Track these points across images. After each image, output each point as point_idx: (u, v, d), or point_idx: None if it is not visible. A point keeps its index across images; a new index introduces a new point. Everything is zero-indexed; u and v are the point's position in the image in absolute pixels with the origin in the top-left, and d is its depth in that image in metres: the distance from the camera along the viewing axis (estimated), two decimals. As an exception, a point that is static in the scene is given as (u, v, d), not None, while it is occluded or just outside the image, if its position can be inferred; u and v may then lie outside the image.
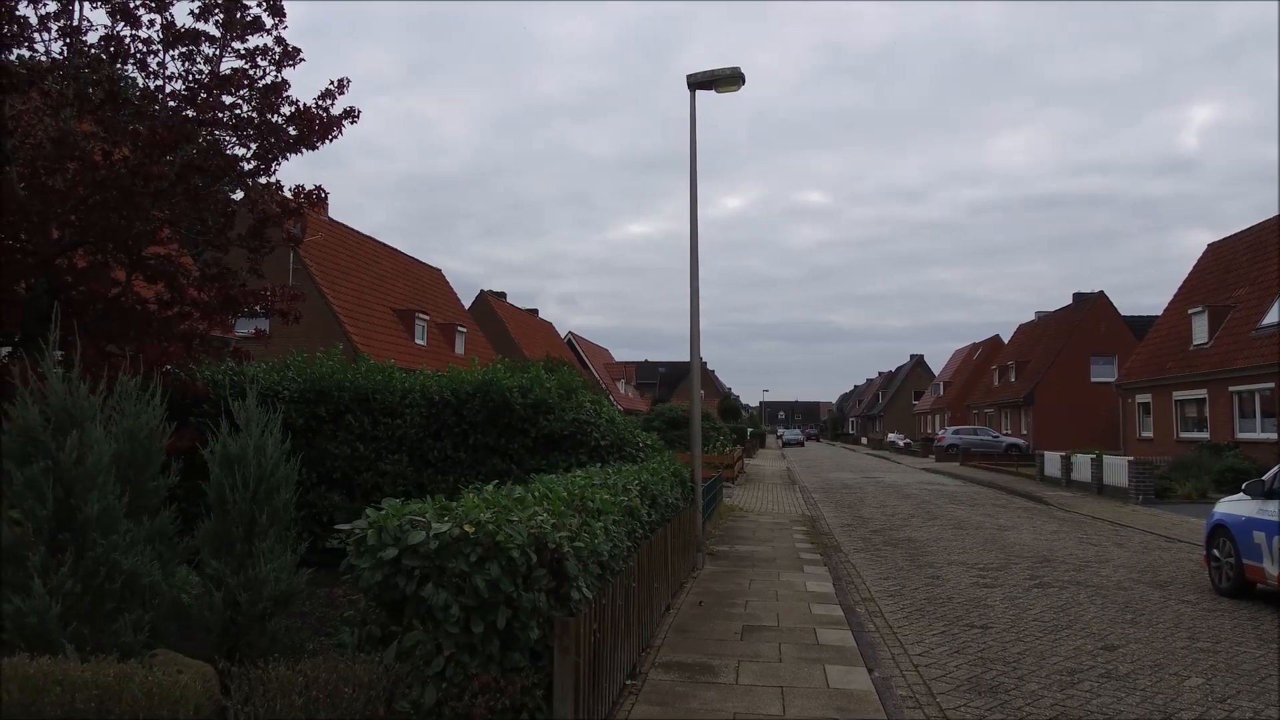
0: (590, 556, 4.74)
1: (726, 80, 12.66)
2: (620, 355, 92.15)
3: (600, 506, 5.62)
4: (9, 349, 9.38)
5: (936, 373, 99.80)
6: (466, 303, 49.86)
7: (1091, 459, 27.41)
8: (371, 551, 3.97)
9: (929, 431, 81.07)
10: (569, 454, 10.35)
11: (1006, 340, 73.70)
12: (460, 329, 39.14)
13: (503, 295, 57.69)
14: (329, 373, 10.69)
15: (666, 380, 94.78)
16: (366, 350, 26.75)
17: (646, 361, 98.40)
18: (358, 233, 36.57)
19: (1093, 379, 51.91)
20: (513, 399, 10.30)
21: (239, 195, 10.10)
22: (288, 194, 9.61)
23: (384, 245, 38.91)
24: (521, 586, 4.10)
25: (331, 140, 9.64)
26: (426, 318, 36.10)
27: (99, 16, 9.45)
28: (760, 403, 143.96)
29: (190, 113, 9.18)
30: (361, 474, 10.27)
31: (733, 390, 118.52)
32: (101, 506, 4.69)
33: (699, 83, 12.72)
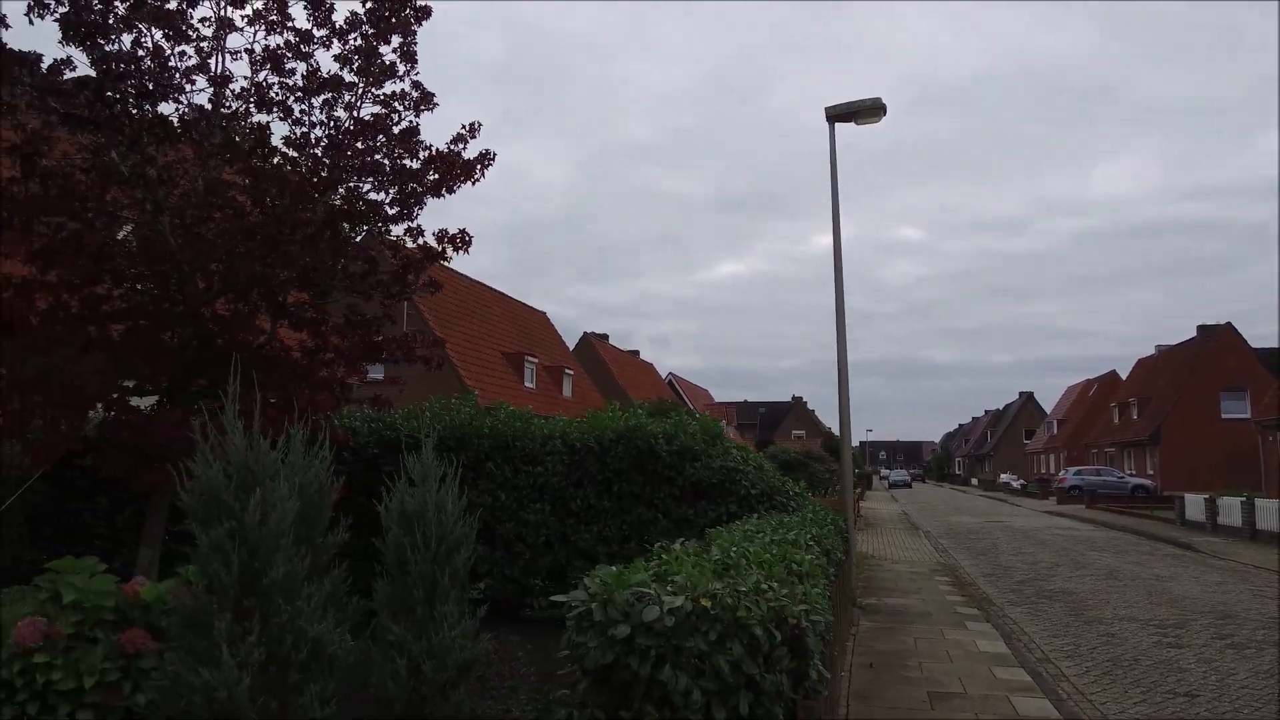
0: (821, 630, 4.22)
1: (867, 111, 12.17)
2: (718, 396, 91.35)
3: (807, 570, 5.09)
4: (155, 399, 9.37)
5: (1048, 410, 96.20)
6: (568, 345, 50.01)
7: (1242, 501, 25.61)
8: (599, 628, 3.53)
9: (1043, 472, 78.01)
10: (717, 503, 9.84)
11: (1124, 376, 70.56)
12: (567, 371, 39.13)
13: (605, 337, 57.75)
14: (467, 420, 10.43)
15: (767, 421, 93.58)
16: (479, 394, 26.79)
17: (746, 402, 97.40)
18: (466, 277, 36.97)
19: (1223, 415, 49.11)
20: (658, 445, 9.86)
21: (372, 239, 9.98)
22: (430, 238, 9.43)
23: (491, 289, 39.27)
24: (763, 667, 3.60)
25: (474, 183, 9.44)
26: (535, 361, 36.18)
27: (239, 68, 9.48)
28: (860, 442, 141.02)
29: (335, 159, 9.10)
30: (503, 523, 9.93)
31: (833, 430, 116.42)
32: (286, 570, 4.36)
33: (838, 115, 12.26)
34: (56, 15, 8.45)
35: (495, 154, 9.71)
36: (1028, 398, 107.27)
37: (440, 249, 9.34)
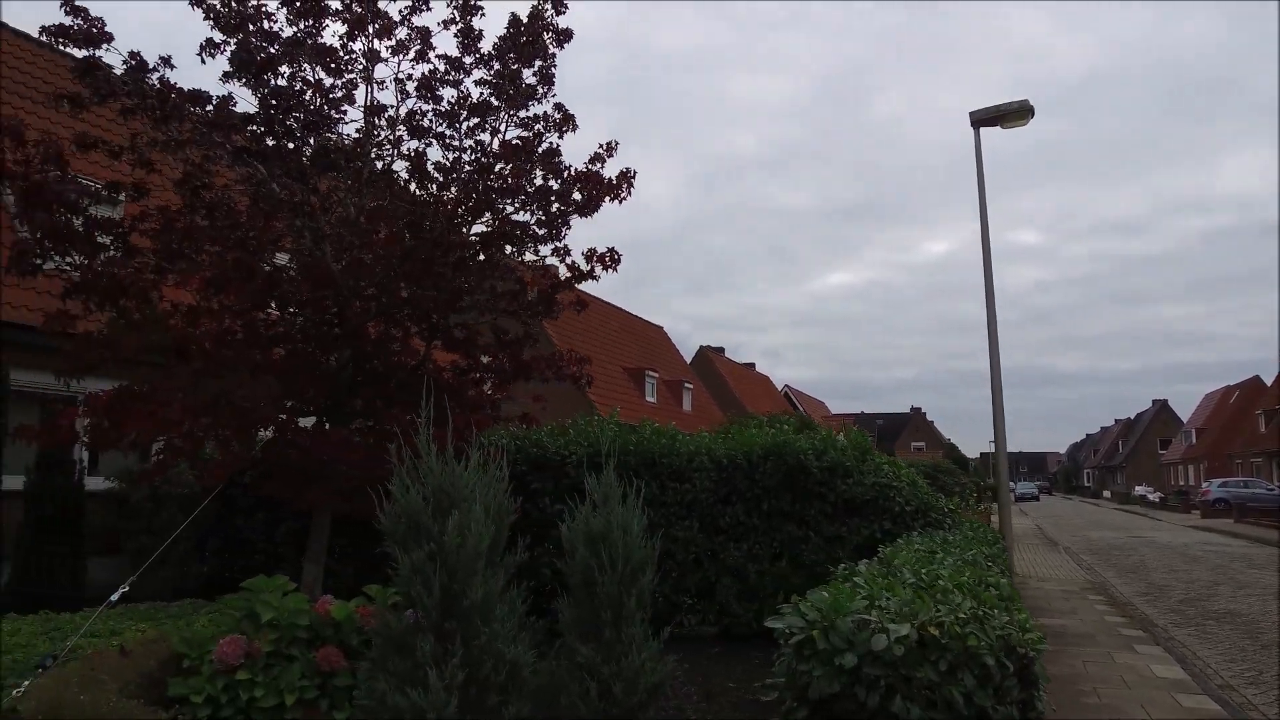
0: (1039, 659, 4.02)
1: (1014, 114, 11.77)
2: (834, 408, 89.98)
3: (1008, 593, 4.87)
4: (314, 419, 9.67)
5: (1184, 419, 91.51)
6: (685, 359, 50.00)
7: None
8: (822, 657, 3.42)
9: (1180, 483, 74.18)
10: (870, 521, 9.61)
11: (1269, 381, 66.55)
12: (687, 385, 39.13)
13: (721, 350, 57.60)
14: (613, 437, 10.44)
15: (885, 433, 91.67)
16: (604, 410, 26.96)
17: (862, 413, 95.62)
18: (586, 293, 37.32)
19: (1387, 422, 45.77)
20: (808, 461, 9.68)
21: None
22: (579, 258, 9.49)
23: (610, 305, 39.61)
24: (995, 698, 3.44)
25: (621, 201, 9.48)
26: (655, 375, 36.30)
27: (384, 96, 9.74)
28: (981, 453, 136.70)
29: (484, 183, 9.25)
30: (651, 540, 9.90)
31: (951, 440, 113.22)
32: (484, 591, 4.39)
33: (983, 119, 11.88)
34: (225, 53, 8.85)
35: (636, 172, 9.73)
36: (1162, 405, 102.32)
37: (589, 268, 9.40)
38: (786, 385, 71.10)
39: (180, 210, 8.72)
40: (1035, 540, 30.13)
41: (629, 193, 9.46)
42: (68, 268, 8.18)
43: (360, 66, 9.32)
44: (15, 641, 7.82)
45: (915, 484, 10.01)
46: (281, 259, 9.19)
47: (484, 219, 9.04)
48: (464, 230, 8.98)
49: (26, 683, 6.57)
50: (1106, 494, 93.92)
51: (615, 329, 37.61)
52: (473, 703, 4.31)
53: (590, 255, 9.39)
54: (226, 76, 8.95)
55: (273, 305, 9.10)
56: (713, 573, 9.75)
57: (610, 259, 9.36)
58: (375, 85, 9.55)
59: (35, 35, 16.32)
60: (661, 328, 46.19)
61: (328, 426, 9.30)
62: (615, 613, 4.88)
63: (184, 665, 5.21)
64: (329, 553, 10.02)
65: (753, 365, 67.15)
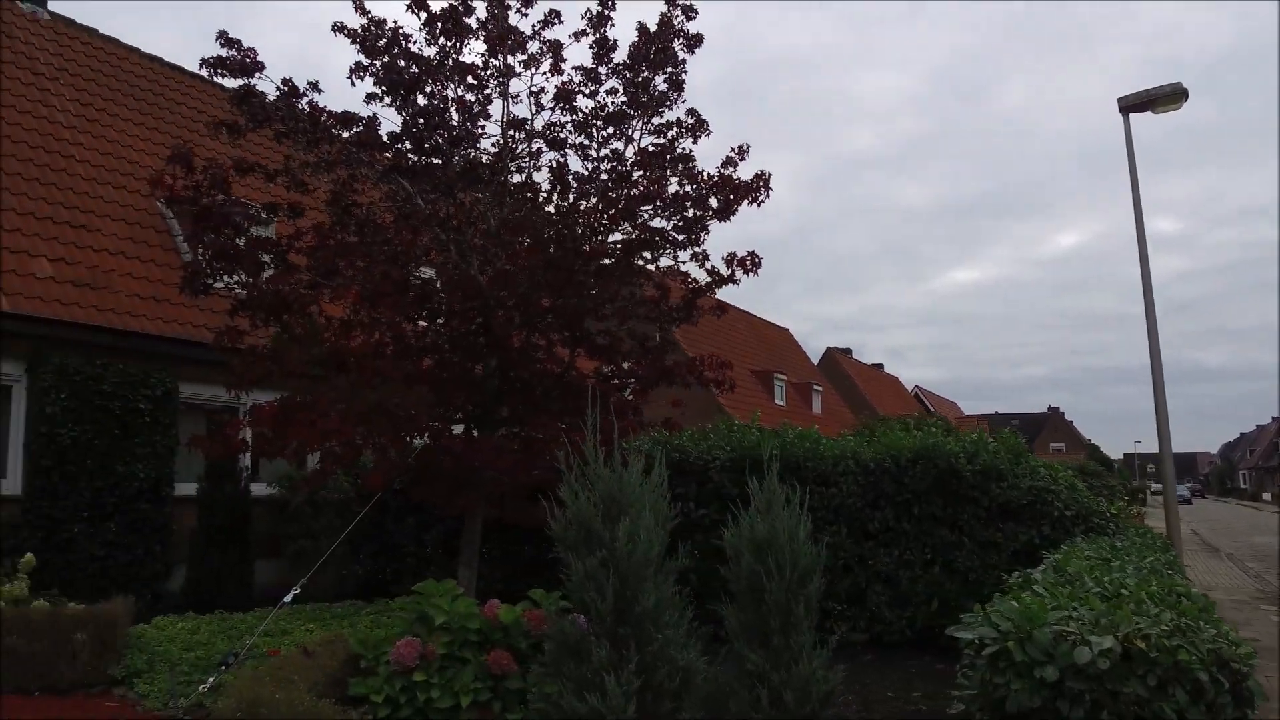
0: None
1: (1166, 99, 11.18)
2: (966, 408, 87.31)
3: (1204, 604, 4.61)
4: (461, 427, 9.93)
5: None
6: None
7: None
8: (1020, 669, 3.31)
9: (1352, 484, 69.03)
10: (1028, 526, 9.27)
11: None
12: (816, 388, 38.69)
13: (848, 351, 56.73)
14: (755, 442, 10.37)
15: (1021, 433, 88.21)
16: (734, 414, 26.87)
17: (997, 414, 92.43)
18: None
19: None
20: (959, 464, 9.41)
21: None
22: (718, 262, 9.48)
23: (734, 307, 39.47)
24: (1208, 716, 3.26)
25: (759, 205, 9.42)
26: (784, 378, 36.02)
27: (518, 109, 9.94)
28: (1125, 454, 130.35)
29: (622, 190, 9.33)
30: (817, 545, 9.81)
31: (1090, 440, 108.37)
32: (656, 598, 4.41)
33: (1132, 105, 11.34)
34: (369, 76, 9.18)
35: (771, 174, 9.66)
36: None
37: (730, 272, 9.38)
38: (916, 386, 69.47)
39: (330, 228, 9.10)
40: (1194, 546, 28.52)
41: (767, 195, 9.40)
42: (235, 286, 8.64)
43: (495, 82, 9.56)
44: (197, 639, 8.30)
45: (1074, 487, 9.61)
46: (426, 272, 9.50)
47: (623, 227, 9.11)
48: (604, 238, 9.09)
49: (212, 679, 6.97)
50: (1266, 496, 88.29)
51: (741, 332, 37.47)
52: (648, 708, 4.34)
53: (730, 259, 9.35)
54: (370, 98, 9.31)
55: (421, 317, 9.41)
56: (862, 579, 9.57)
57: (751, 262, 9.30)
58: (510, 100, 9.79)
59: (186, 68, 17.33)
60: (787, 330, 45.79)
61: (475, 434, 9.54)
62: (783, 620, 4.83)
63: (361, 665, 5.41)
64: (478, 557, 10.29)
65: (880, 366, 65.89)
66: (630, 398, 10.25)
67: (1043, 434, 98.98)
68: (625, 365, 9.91)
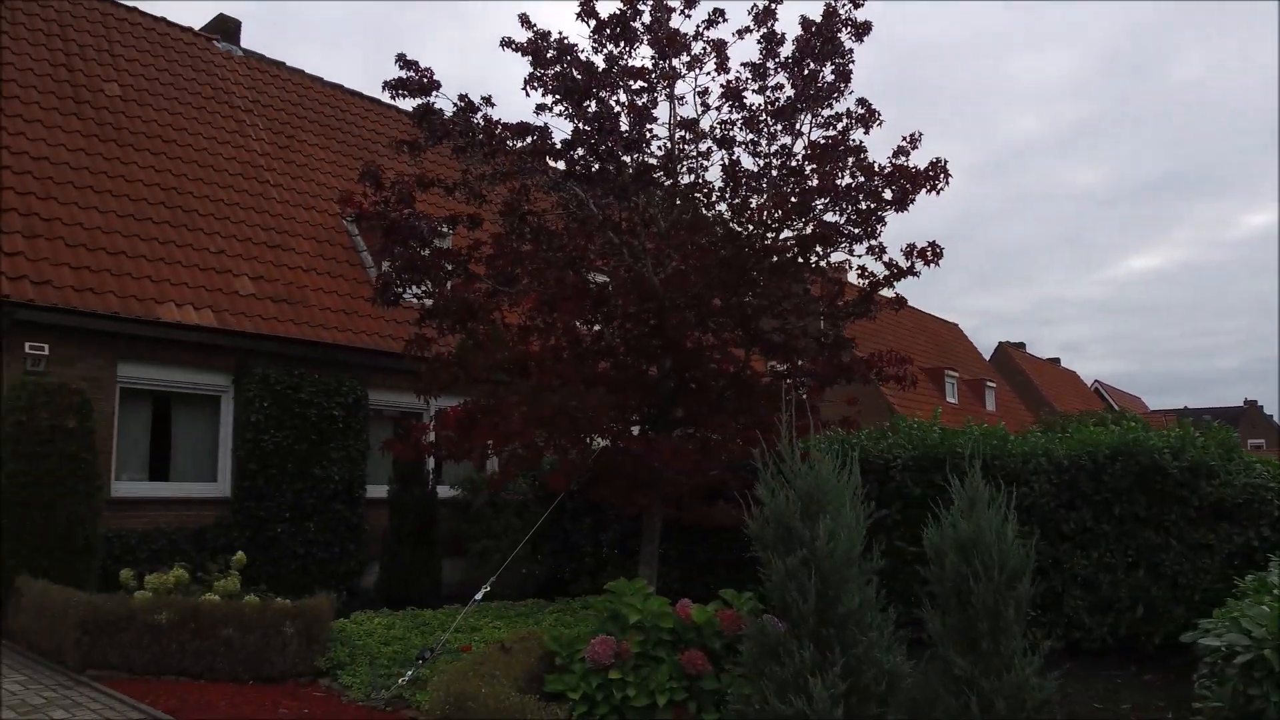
0: None
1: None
2: (1151, 403, 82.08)
3: None
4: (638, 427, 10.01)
5: None
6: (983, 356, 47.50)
7: None
8: (1278, 680, 3.03)
9: None
10: (1244, 527, 8.57)
11: None
12: (989, 384, 37.22)
13: (1021, 345, 54.25)
14: (938, 439, 10.01)
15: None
16: (905, 412, 26.15)
17: (1185, 409, 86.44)
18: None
19: None
20: (1164, 461, 8.79)
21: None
22: (897, 255, 9.22)
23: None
24: None
25: (938, 193, 9.10)
26: (955, 375, 34.81)
27: (684, 110, 9.93)
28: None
29: (794, 185, 9.21)
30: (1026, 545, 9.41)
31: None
32: (860, 598, 4.29)
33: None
34: (544, 86, 9.37)
35: (946, 160, 9.32)
36: None
37: (909, 264, 9.10)
38: (1096, 380, 65.77)
39: (506, 236, 9.35)
40: None
41: (946, 182, 9.07)
42: (421, 296, 9.00)
43: (662, 85, 9.60)
44: (393, 634, 8.68)
45: (1297, 484, 8.81)
46: (598, 278, 9.63)
47: (795, 223, 8.97)
48: (776, 235, 8.98)
49: (410, 672, 7.26)
50: None
51: (908, 328, 36.43)
52: (853, 712, 4.22)
53: (910, 250, 9.07)
54: (540, 109, 9.51)
55: (596, 321, 9.55)
56: (1058, 583, 9.07)
57: (932, 253, 9.00)
58: (676, 101, 9.81)
59: (364, 94, 18.23)
60: (955, 325, 44.19)
61: (650, 435, 9.60)
62: (992, 623, 4.60)
63: (556, 663, 5.50)
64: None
65: (1057, 361, 62.68)
66: (804, 396, 10.09)
67: (1239, 430, 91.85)
68: (800, 363, 9.76)
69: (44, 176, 11.46)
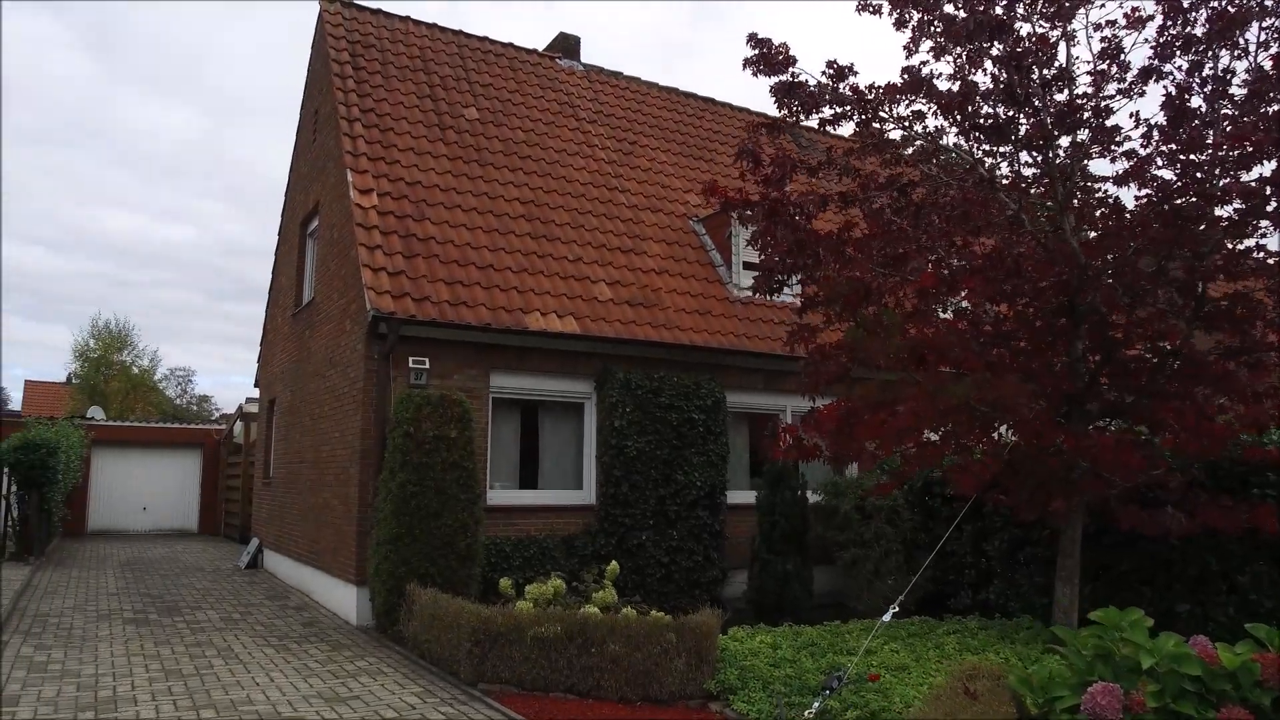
0: None
1: None
2: None
3: None
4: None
5: None
6: None
7: None
8: None
9: None
10: None
11: None
12: None
13: None
14: None
15: None
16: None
17: None
18: None
19: None
20: None
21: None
22: None
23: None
24: None
25: None
26: None
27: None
28: None
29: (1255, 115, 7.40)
30: None
31: None
32: None
33: None
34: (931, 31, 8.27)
35: None
36: None
37: None
38: None
39: (880, 211, 8.34)
40: None
41: None
42: (803, 282, 8.21)
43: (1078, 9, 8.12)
44: (781, 655, 7.88)
45: None
46: (986, 243, 8.38)
47: (1267, 161, 7.14)
48: (1234, 179, 7.23)
49: (817, 703, 6.41)
50: None
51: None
52: None
53: None
54: (906, 72, 8.41)
55: (1001, 299, 8.26)
56: None
57: None
58: (1091, 29, 8.28)
59: (698, 94, 17.95)
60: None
61: (1065, 428, 8.15)
62: None
63: (1034, 713, 4.40)
64: (1049, 568, 8.89)
65: None
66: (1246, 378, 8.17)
67: None
68: (1270, 338, 7.89)
69: (418, 200, 12.00)
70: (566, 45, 17.32)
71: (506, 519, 11.09)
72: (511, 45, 16.33)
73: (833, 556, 12.31)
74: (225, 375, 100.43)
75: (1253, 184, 6.97)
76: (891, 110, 8.60)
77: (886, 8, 8.47)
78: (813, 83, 8.60)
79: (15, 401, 53.08)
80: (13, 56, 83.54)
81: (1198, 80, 7.60)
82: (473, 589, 9.64)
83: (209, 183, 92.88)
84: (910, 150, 8.75)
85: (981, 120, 7.80)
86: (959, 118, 7.97)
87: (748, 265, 14.12)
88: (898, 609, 7.44)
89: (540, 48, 17.15)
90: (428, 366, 10.79)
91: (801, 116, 8.69)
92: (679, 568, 11.78)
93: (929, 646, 8.19)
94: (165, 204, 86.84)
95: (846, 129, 8.96)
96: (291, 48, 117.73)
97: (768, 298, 8.46)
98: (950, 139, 8.70)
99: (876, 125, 8.59)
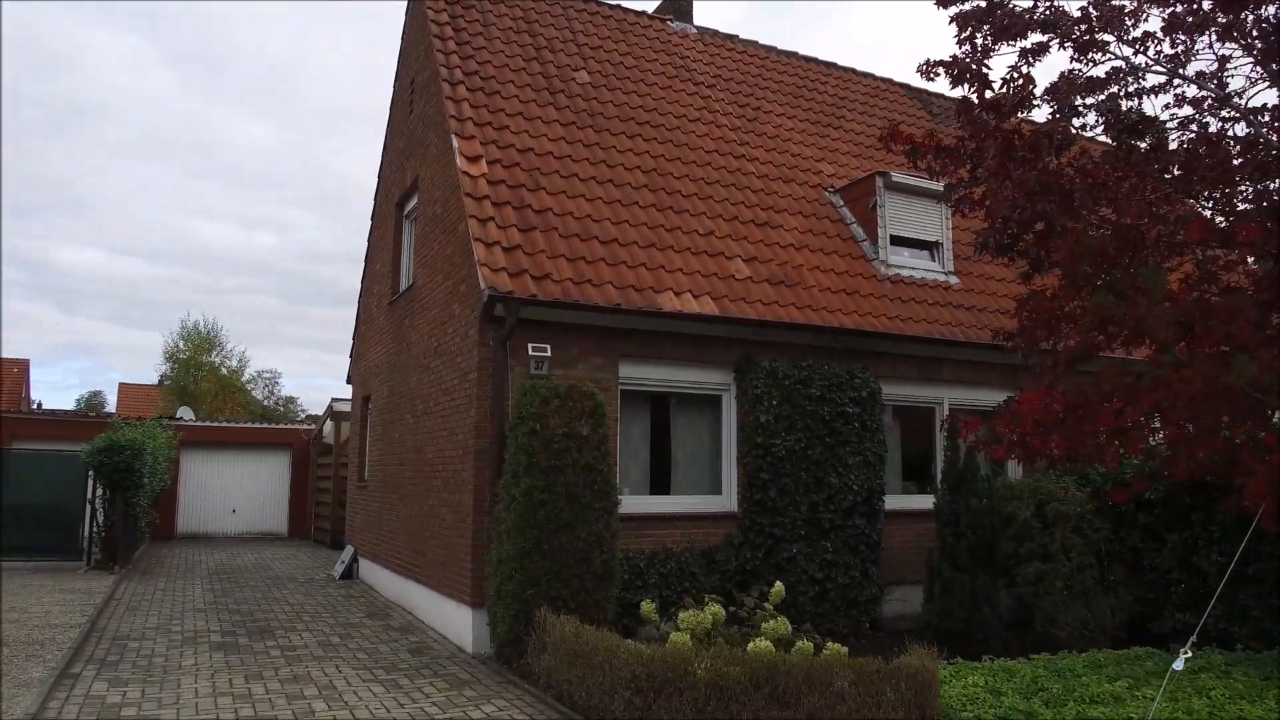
0: None
1: None
2: None
3: None
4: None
5: None
6: None
7: None
8: None
9: None
10: None
11: None
12: None
13: None
14: None
15: None
16: None
17: None
18: None
19: None
20: None
21: None
22: None
23: None
24: None
25: None
26: None
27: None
28: None
29: None
30: None
31: None
32: None
33: None
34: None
35: None
36: None
37: None
38: None
39: (1124, 152, 6.68)
40: None
41: None
42: (1038, 238, 6.55)
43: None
44: (1009, 705, 6.25)
45: None
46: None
47: None
48: None
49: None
50: None
51: None
52: None
53: None
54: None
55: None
56: None
57: None
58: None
59: (820, 59, 16.22)
60: None
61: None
62: None
63: None
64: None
65: None
66: None
67: None
68: None
69: (531, 168, 10.63)
70: (677, 7, 15.85)
71: (639, 530, 9.61)
72: (619, 6, 14.92)
73: (1010, 571, 10.60)
74: (310, 378, 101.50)
75: None
76: (1121, 31, 6.95)
77: None
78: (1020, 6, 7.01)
79: (110, 404, 53.80)
80: (106, 76, 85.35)
81: None
82: (609, 611, 8.21)
83: (285, 192, 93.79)
84: (1150, 83, 7.09)
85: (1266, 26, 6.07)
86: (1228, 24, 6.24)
87: (896, 240, 12.46)
88: (1189, 653, 5.76)
89: (649, 10, 15.72)
90: (549, 354, 9.38)
91: (992, 48, 7.08)
92: (835, 584, 10.21)
93: (1189, 693, 6.51)
94: (247, 212, 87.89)
95: (1051, 62, 7.32)
96: (364, 55, 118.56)
97: (996, 256, 6.80)
98: (1196, 66, 7.05)
99: (1095, 53, 6.97)
